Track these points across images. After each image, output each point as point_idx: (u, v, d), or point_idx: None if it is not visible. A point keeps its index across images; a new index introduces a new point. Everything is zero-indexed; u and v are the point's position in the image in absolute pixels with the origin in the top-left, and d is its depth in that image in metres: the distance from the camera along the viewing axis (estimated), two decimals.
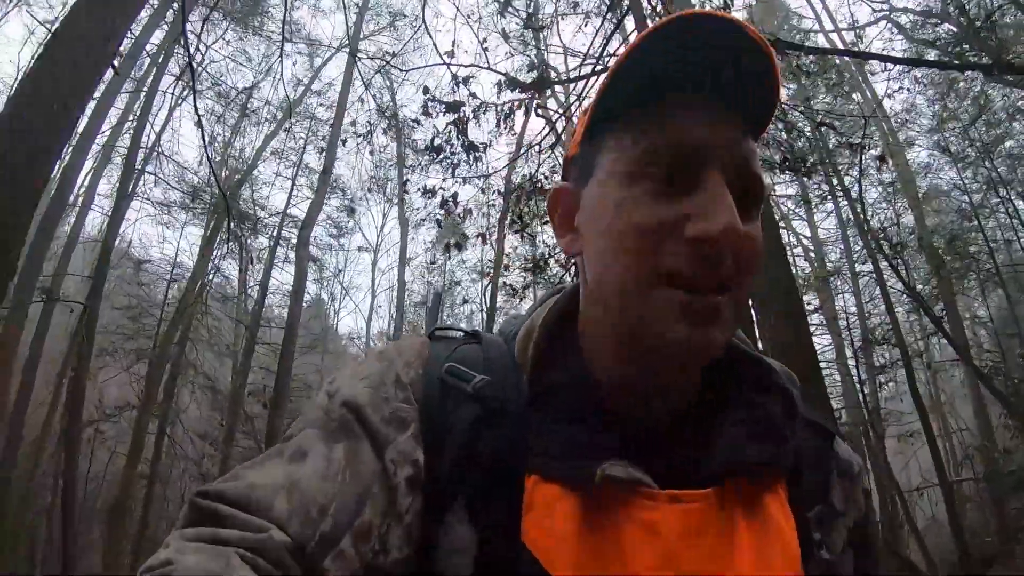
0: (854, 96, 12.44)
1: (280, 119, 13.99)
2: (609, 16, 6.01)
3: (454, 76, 5.72)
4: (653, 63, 0.55)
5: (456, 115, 5.77)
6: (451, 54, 6.10)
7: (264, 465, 0.57)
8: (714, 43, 0.54)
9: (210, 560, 0.47)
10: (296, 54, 13.28)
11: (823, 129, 7.05)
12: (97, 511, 11.35)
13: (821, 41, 13.07)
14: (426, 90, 5.84)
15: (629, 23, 5.49)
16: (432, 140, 5.92)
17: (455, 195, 6.37)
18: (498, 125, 5.57)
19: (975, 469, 10.98)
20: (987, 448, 10.37)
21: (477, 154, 5.95)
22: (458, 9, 8.05)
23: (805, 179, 8.37)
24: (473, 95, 5.81)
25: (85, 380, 8.63)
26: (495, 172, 6.59)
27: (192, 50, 5.69)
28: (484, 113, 5.72)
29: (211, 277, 12.74)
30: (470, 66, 6.30)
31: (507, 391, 0.61)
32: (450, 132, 5.88)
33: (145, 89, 11.03)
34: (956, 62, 7.35)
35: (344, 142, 10.78)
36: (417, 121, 6.82)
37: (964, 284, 11.97)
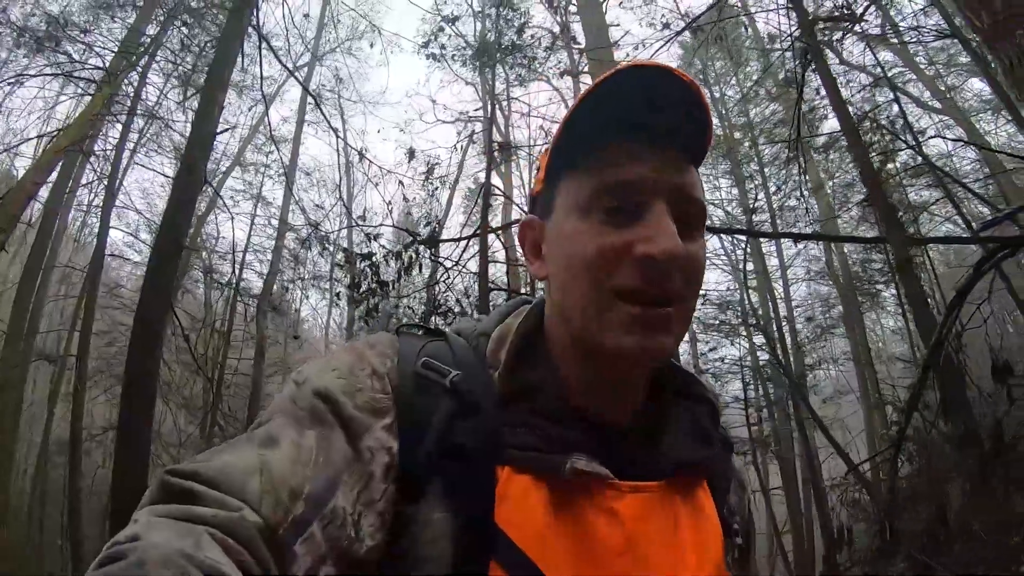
0: None
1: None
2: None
3: (367, 235, 7.82)
4: (598, 113, 0.64)
5: (369, 262, 7.84)
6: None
7: (235, 449, 0.57)
8: (649, 91, 0.62)
9: (179, 537, 0.45)
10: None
11: None
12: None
13: None
14: (345, 251, 7.93)
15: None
16: (353, 279, 7.99)
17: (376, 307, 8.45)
18: (398, 278, 7.64)
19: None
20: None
21: (387, 289, 8.03)
22: None
23: None
24: (382, 246, 7.91)
25: (81, 424, 10.08)
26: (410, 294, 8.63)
27: None
28: (392, 262, 7.79)
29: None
30: (379, 225, 8.38)
31: (480, 387, 0.66)
32: (366, 271, 7.94)
33: None
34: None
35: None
36: (340, 265, 8.90)
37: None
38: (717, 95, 15.02)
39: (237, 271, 12.03)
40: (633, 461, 0.66)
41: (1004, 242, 4.08)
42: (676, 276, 0.63)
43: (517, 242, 0.81)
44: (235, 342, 13.15)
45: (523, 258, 0.77)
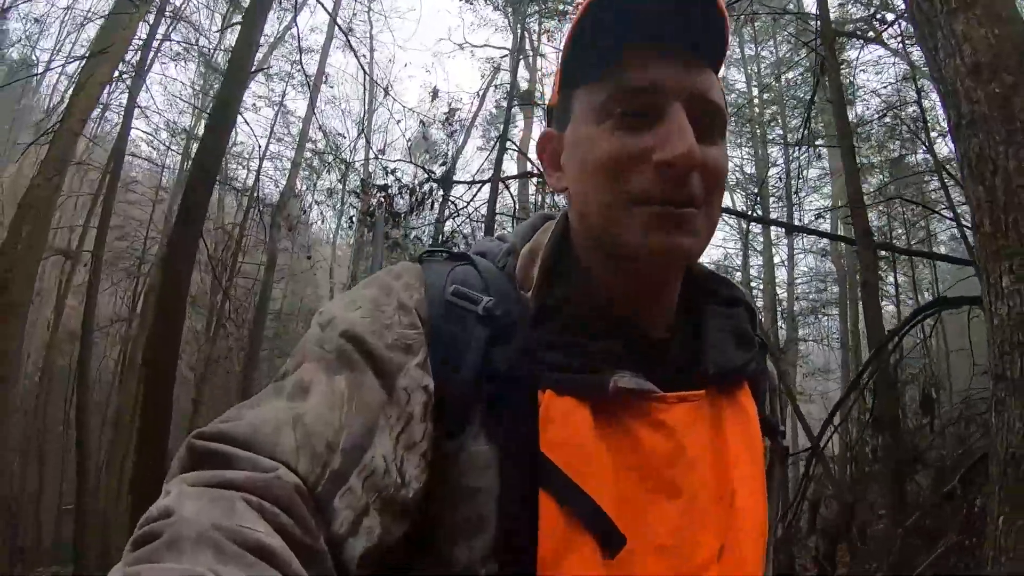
0: None
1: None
2: None
3: (385, 168, 7.98)
4: (610, 18, 0.61)
5: (384, 193, 8.01)
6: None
7: (263, 404, 0.55)
8: None
9: (213, 506, 0.43)
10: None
11: None
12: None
13: None
14: (362, 181, 8.08)
15: None
16: (367, 208, 8.18)
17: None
18: (410, 211, 7.84)
19: None
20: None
21: (399, 220, 8.22)
22: None
23: None
24: (398, 180, 8.06)
25: (93, 316, 10.52)
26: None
27: None
28: (406, 195, 7.96)
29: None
30: (397, 160, 8.49)
31: (513, 310, 0.63)
32: (381, 201, 8.12)
33: None
34: None
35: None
36: (356, 193, 9.04)
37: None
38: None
39: (255, 178, 12.15)
40: (676, 370, 0.64)
41: (940, 302, 4.63)
42: (695, 181, 0.61)
43: (536, 156, 0.77)
44: (245, 246, 13.31)
45: (542, 171, 0.75)
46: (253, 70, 5.72)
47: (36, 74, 10.53)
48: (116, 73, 10.01)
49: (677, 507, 0.59)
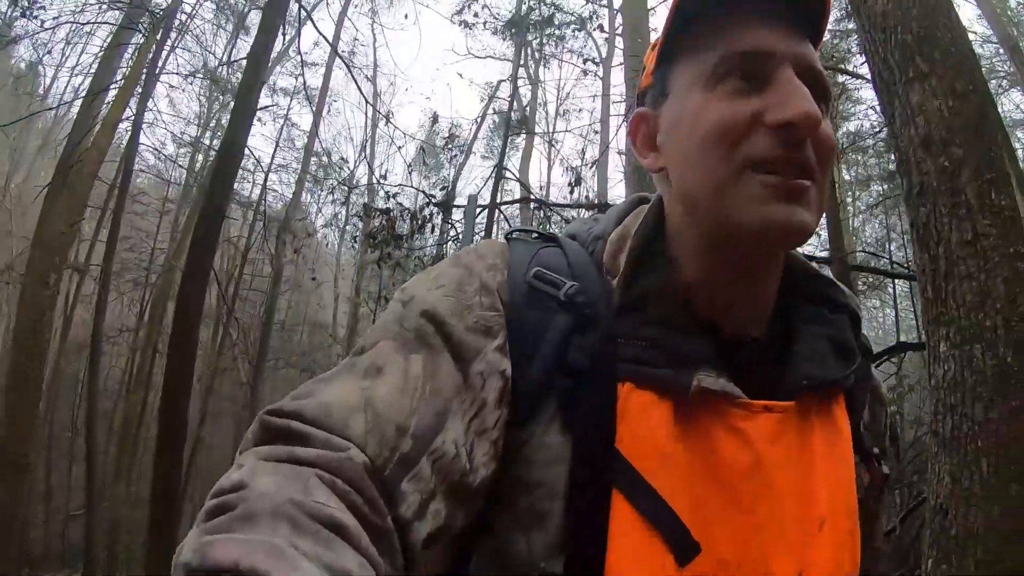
0: None
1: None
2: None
3: (387, 193, 8.22)
4: None
5: (386, 216, 8.24)
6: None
7: (336, 381, 0.55)
8: None
9: (287, 482, 0.44)
10: None
11: None
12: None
13: None
14: (365, 206, 8.33)
15: None
16: (370, 232, 8.42)
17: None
18: (411, 234, 8.08)
19: None
20: None
21: (400, 243, 8.45)
22: None
23: None
24: (399, 204, 8.31)
25: (103, 327, 10.78)
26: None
27: None
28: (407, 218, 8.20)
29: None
30: (399, 185, 8.74)
31: (597, 298, 0.61)
32: (383, 224, 8.36)
33: None
34: None
35: None
36: (360, 216, 9.30)
37: None
38: None
39: (260, 192, 12.44)
40: (764, 376, 0.60)
41: (900, 347, 5.14)
42: (810, 151, 0.58)
43: (628, 140, 0.72)
44: (251, 257, 13.55)
45: (635, 155, 0.72)
46: (259, 107, 5.95)
47: (52, 107, 10.77)
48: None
49: (750, 522, 0.56)
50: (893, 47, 2.92)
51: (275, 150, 14.05)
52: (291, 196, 13.78)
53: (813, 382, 0.60)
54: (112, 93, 7.94)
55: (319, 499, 0.43)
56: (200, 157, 14.00)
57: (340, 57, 10.13)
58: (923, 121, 2.71)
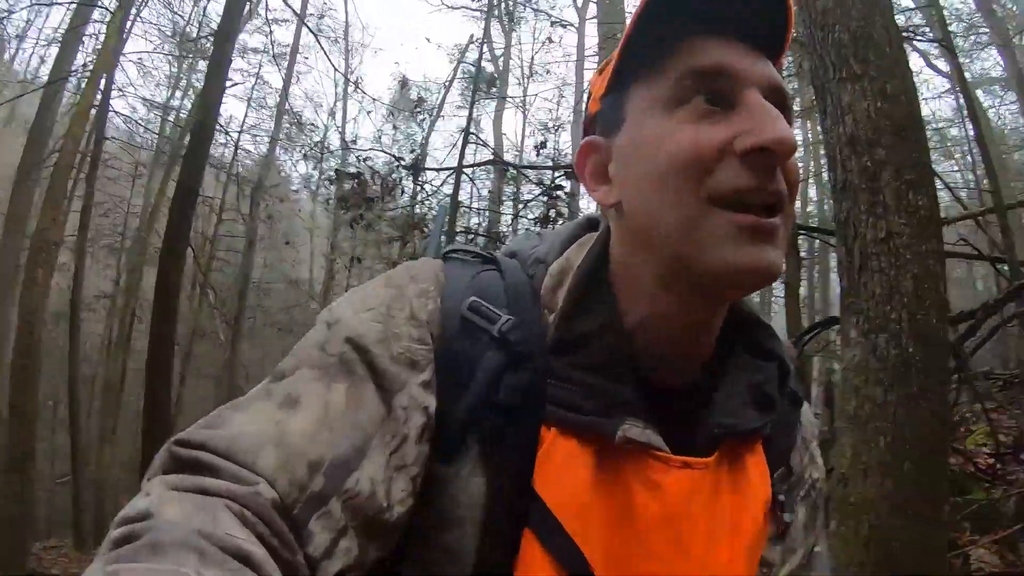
0: None
1: None
2: None
3: (357, 157, 8.32)
4: (672, 8, 0.56)
5: (357, 180, 8.34)
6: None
7: (250, 409, 0.53)
8: None
9: (195, 511, 0.43)
10: None
11: None
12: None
13: None
14: (336, 171, 8.41)
15: None
16: (342, 196, 8.51)
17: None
18: (381, 197, 8.20)
19: None
20: None
21: (372, 205, 8.58)
22: None
23: None
24: (371, 168, 8.39)
25: (81, 295, 10.76)
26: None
27: None
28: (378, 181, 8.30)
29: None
30: (369, 149, 8.80)
31: (532, 334, 0.59)
32: (354, 187, 8.45)
33: None
34: None
35: None
36: (331, 180, 9.34)
37: None
38: None
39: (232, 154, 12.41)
40: (687, 425, 0.59)
41: (830, 321, 5.11)
42: (781, 181, 0.55)
43: (576, 171, 0.68)
44: (225, 217, 13.63)
45: (586, 189, 0.67)
46: (229, 85, 6.00)
47: (38, 87, 10.57)
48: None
49: (659, 573, 0.56)
50: (830, 45, 3.01)
51: (246, 111, 13.94)
52: (264, 156, 13.62)
53: (726, 431, 0.59)
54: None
55: (228, 530, 0.43)
56: (172, 118, 13.81)
57: (307, 28, 9.98)
58: (851, 120, 2.82)
